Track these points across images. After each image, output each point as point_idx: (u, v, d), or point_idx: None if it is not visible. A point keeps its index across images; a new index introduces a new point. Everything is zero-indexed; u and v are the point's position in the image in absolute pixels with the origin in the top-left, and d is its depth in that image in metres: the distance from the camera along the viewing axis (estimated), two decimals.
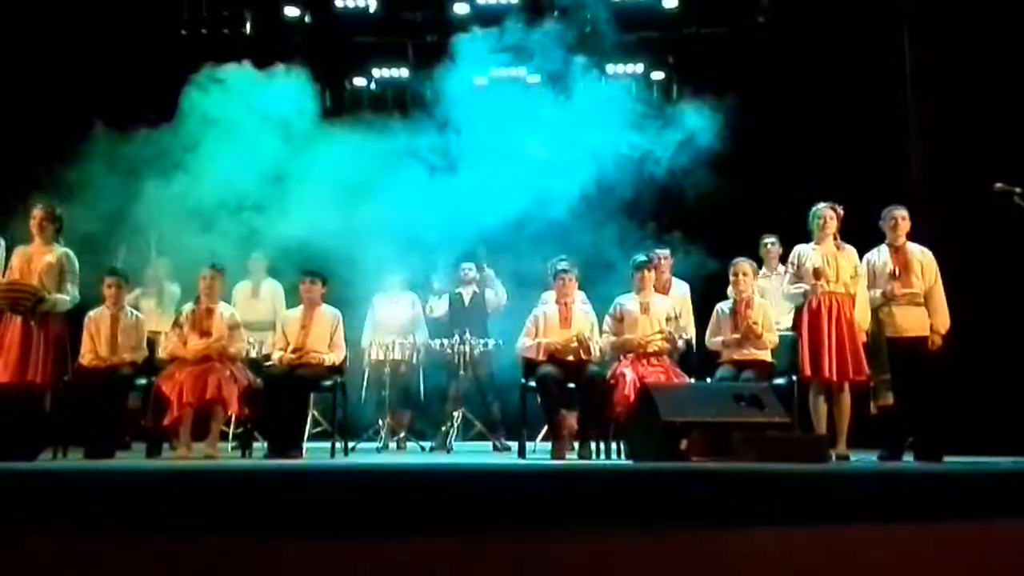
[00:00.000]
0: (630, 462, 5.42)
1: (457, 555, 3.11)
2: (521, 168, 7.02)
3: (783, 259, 6.79)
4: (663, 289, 6.84)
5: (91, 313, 6.11)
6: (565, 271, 6.29)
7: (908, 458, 5.66)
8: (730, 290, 6.58)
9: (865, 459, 5.70)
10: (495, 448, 7.11)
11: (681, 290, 7.13)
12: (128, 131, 6.80)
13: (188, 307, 6.11)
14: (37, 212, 5.88)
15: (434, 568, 3.07)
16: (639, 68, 8.85)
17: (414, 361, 7.14)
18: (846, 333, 5.61)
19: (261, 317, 7.09)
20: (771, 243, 7.00)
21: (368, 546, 3.07)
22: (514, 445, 6.49)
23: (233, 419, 6.29)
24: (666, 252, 7.16)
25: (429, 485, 3.95)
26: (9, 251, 5.94)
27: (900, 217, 5.79)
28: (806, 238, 5.88)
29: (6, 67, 7.74)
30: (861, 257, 5.82)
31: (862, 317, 5.75)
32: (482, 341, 7.10)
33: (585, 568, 3.12)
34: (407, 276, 7.50)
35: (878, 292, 5.74)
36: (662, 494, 3.65)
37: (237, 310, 6.70)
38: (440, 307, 7.55)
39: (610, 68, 8.84)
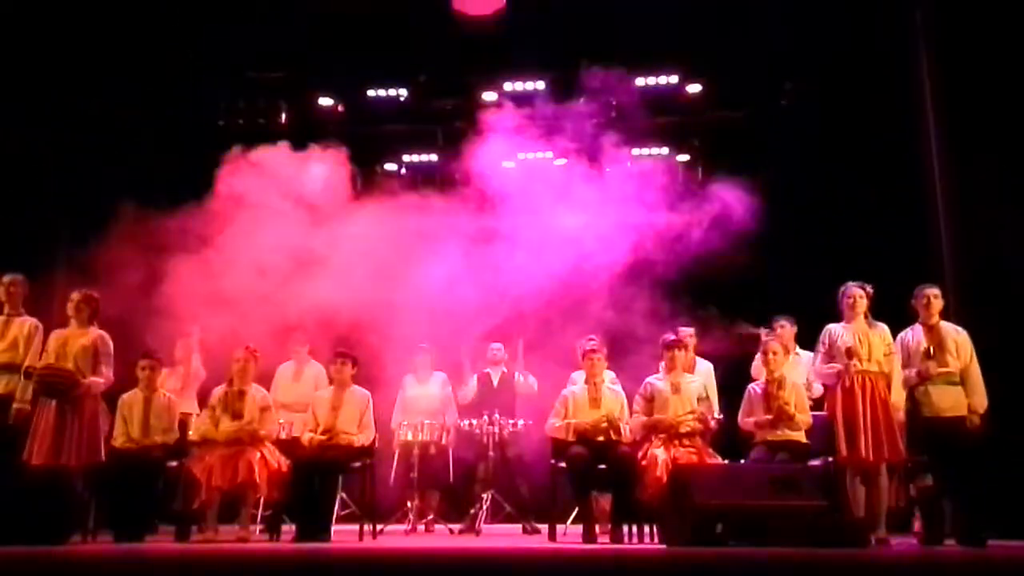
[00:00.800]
0: (663, 547, 5.31)
1: None
2: (551, 248, 7.10)
3: (797, 338, 6.76)
4: (688, 367, 6.79)
5: (124, 396, 6.18)
6: (594, 351, 6.29)
7: (950, 542, 5.50)
8: (753, 369, 6.54)
9: (905, 543, 5.55)
10: (525, 531, 7.00)
11: (704, 368, 7.08)
12: (163, 212, 6.98)
13: (220, 389, 6.16)
14: (75, 296, 6.04)
15: None
16: (664, 151, 8.98)
17: (443, 442, 7.11)
18: (881, 413, 5.53)
19: (301, 398, 7.13)
20: (782, 325, 6.93)
21: None
22: (544, 527, 6.39)
23: (262, 501, 6.26)
24: (691, 330, 7.13)
25: (458, 570, 3.91)
26: (45, 334, 6.07)
27: (932, 295, 5.77)
28: (827, 318, 5.85)
29: (41, 152, 8.02)
30: (894, 336, 5.77)
31: (896, 396, 5.68)
32: (511, 422, 7.07)
33: None
34: (436, 356, 7.53)
35: (913, 371, 5.68)
36: None
37: (279, 390, 6.77)
38: (469, 391, 7.53)
39: (635, 151, 8.97)
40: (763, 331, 6.54)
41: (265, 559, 4.56)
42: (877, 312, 5.81)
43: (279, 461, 5.92)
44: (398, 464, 7.15)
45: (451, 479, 7.24)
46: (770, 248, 7.66)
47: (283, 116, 9.08)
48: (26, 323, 6.11)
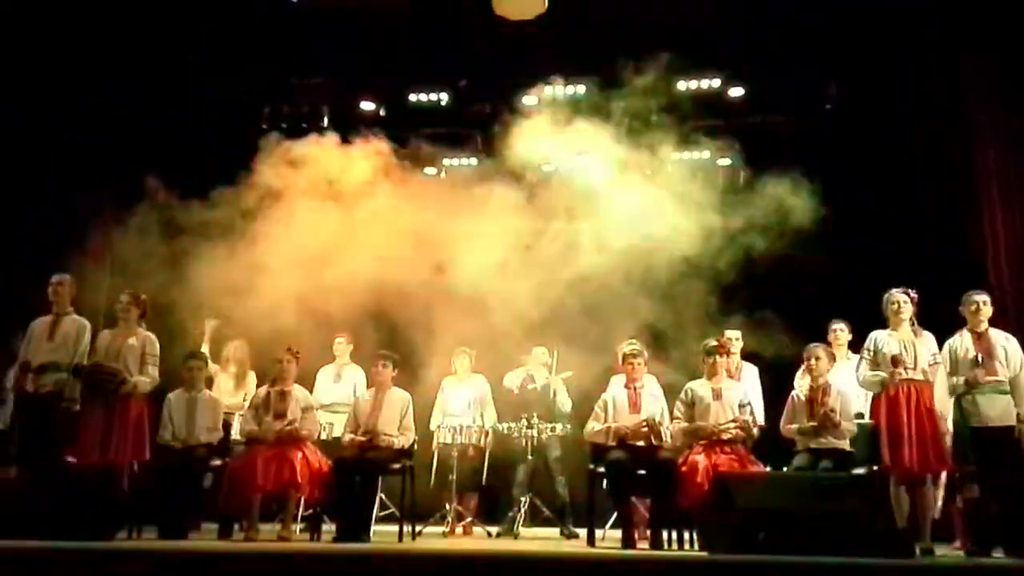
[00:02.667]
0: (705, 553, 5.27)
1: None
2: (596, 249, 7.11)
3: (852, 345, 6.66)
4: (733, 373, 6.73)
5: (170, 395, 6.28)
6: (634, 355, 6.25)
7: (998, 553, 5.39)
8: (798, 378, 6.46)
9: (951, 554, 5.45)
10: (563, 535, 6.98)
11: (750, 374, 7.01)
12: (199, 204, 7.07)
13: (263, 389, 6.24)
14: (124, 297, 6.16)
15: None
16: (706, 154, 8.91)
17: (482, 444, 7.12)
18: (926, 422, 5.45)
19: (340, 400, 7.24)
20: (839, 329, 6.84)
21: None
22: (583, 532, 6.37)
23: (303, 501, 6.32)
24: (737, 334, 7.07)
25: (496, 573, 3.91)
26: (94, 335, 6.19)
27: (982, 302, 5.65)
28: (876, 324, 5.77)
29: (79, 149, 8.17)
30: (940, 344, 5.67)
31: (942, 405, 5.58)
32: (549, 426, 7.05)
33: None
34: (476, 358, 7.55)
35: (961, 379, 5.56)
36: None
37: (319, 392, 6.85)
38: (515, 383, 7.51)
39: (676, 155, 8.93)
40: None
41: (306, 558, 4.59)
42: (927, 319, 5.72)
43: (320, 461, 5.97)
44: (437, 466, 7.17)
45: (484, 482, 7.23)
46: (820, 251, 7.56)
47: (325, 120, 9.16)
48: (75, 322, 6.23)
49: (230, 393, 7.07)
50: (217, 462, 6.09)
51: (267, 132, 8.32)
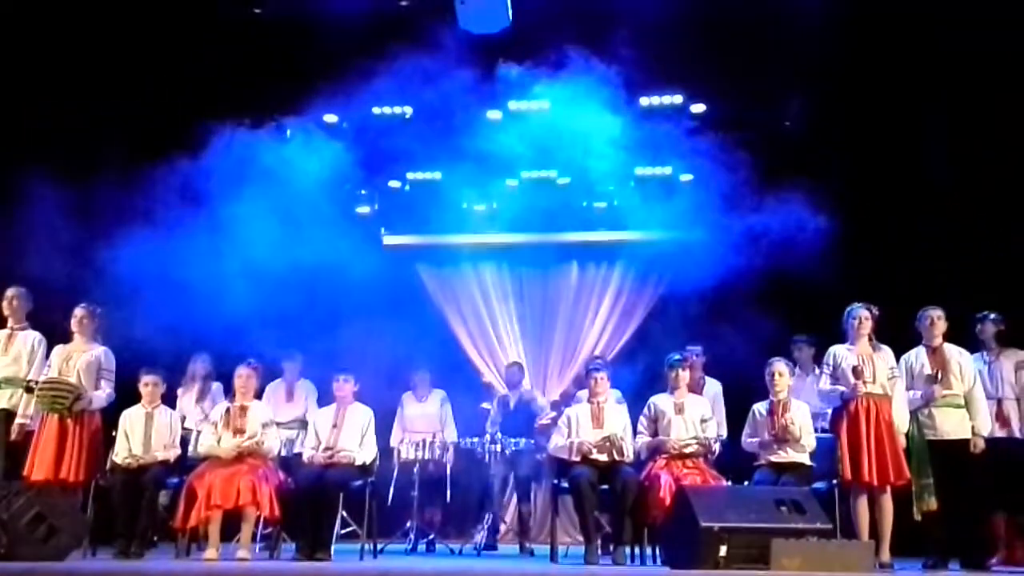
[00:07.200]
0: (666, 569, 5.28)
1: None
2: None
3: (816, 360, 6.74)
4: (695, 387, 6.76)
5: (126, 411, 6.16)
6: (597, 370, 6.27)
7: (954, 566, 5.47)
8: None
9: (910, 567, 5.53)
10: (522, 549, 6.96)
11: (714, 388, 7.06)
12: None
13: (222, 405, 6.14)
14: (78, 311, 6.06)
15: None
16: (667, 171, 8.97)
17: (443, 460, 7.08)
18: (885, 435, 5.50)
19: (293, 416, 7.12)
20: (803, 344, 6.94)
21: None
22: (546, 548, 6.35)
23: (263, 519, 6.22)
24: (698, 349, 7.13)
25: None
26: (49, 349, 6.07)
27: (936, 317, 5.77)
28: (839, 339, 5.84)
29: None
30: (898, 359, 5.76)
31: (900, 419, 5.66)
32: (512, 441, 7.00)
33: None
34: (435, 374, 7.52)
35: (917, 394, 5.66)
36: None
37: (269, 409, 6.73)
38: (494, 419, 7.46)
39: (639, 170, 8.99)
40: None
41: None
42: (886, 335, 5.81)
43: (280, 478, 5.88)
44: (397, 482, 7.11)
45: (448, 498, 7.18)
46: (784, 266, 7.64)
47: (288, 132, 9.08)
48: (29, 337, 6.13)
49: (192, 409, 6.96)
50: (175, 480, 5.98)
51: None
